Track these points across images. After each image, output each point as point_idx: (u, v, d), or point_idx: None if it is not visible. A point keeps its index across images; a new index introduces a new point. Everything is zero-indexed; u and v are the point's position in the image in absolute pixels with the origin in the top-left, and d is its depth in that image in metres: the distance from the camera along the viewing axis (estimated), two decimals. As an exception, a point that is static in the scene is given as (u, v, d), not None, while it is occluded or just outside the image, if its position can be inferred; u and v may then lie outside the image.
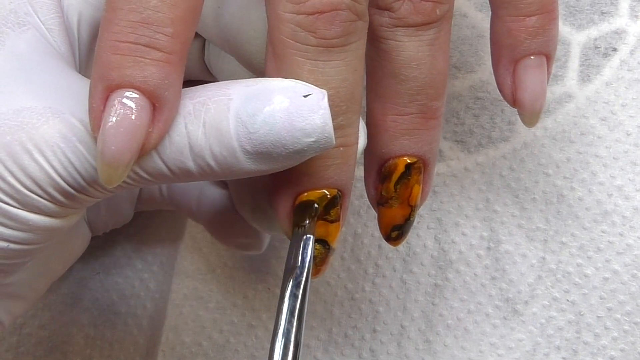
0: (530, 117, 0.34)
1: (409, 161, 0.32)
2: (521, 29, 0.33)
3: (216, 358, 0.41)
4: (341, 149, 0.30)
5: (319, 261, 0.31)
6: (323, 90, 0.28)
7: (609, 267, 0.39)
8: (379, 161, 0.33)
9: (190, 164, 0.28)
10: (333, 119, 0.28)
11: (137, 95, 0.27)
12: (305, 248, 0.30)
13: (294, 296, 0.29)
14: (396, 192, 0.33)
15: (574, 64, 0.41)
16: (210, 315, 0.41)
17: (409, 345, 0.40)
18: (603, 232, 0.39)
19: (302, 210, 0.30)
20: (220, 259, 0.41)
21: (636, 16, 0.41)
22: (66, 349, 0.42)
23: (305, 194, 0.30)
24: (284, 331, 0.29)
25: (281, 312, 0.29)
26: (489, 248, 0.40)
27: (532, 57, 0.33)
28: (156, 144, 0.28)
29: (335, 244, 0.31)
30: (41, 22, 0.32)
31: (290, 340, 0.29)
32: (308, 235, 0.30)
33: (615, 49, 0.41)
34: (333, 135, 0.28)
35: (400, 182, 0.33)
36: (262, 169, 0.28)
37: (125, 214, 0.40)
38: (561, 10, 0.41)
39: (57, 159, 0.28)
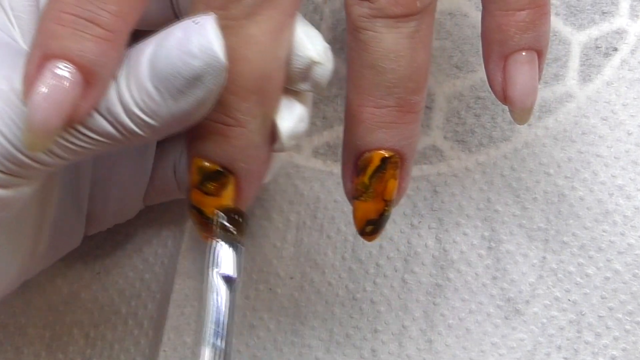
0: (521, 114, 0.34)
1: (385, 155, 0.32)
2: (511, 23, 0.32)
3: (218, 358, 0.41)
4: (221, 125, 0.30)
5: (197, 228, 0.32)
6: (211, 14, 0.28)
7: (610, 266, 0.39)
8: (355, 154, 0.32)
9: (127, 119, 0.28)
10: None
11: (70, 68, 0.27)
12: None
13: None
14: (370, 185, 0.32)
15: (574, 63, 0.41)
16: (212, 316, 0.41)
17: (411, 345, 0.40)
18: (604, 231, 0.39)
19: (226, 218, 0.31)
20: (222, 259, 0.41)
21: (637, 16, 0.41)
22: (66, 349, 0.42)
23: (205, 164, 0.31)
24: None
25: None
26: (490, 248, 0.40)
27: (523, 53, 0.33)
28: (83, 118, 0.28)
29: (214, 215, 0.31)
30: (11, 8, 0.32)
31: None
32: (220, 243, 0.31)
33: (616, 49, 0.41)
34: (222, 56, 0.28)
35: (375, 176, 0.32)
36: (182, 107, 0.29)
37: (132, 208, 0.40)
38: (562, 10, 0.41)
39: (4, 123, 0.28)
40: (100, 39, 0.28)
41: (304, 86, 0.31)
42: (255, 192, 0.32)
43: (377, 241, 0.40)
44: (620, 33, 0.41)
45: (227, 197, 0.31)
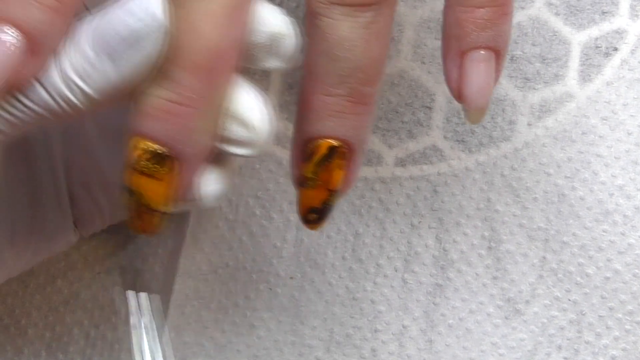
0: (474, 113, 0.34)
1: (333, 144, 0.32)
2: (469, 19, 0.32)
3: (218, 358, 0.41)
4: (169, 103, 0.29)
5: (131, 216, 0.31)
6: None
7: (611, 266, 0.39)
8: (304, 141, 0.32)
9: (65, 89, 0.28)
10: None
11: (15, 33, 0.28)
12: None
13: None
14: (316, 174, 0.32)
15: (574, 63, 0.41)
16: (212, 316, 0.41)
17: (411, 345, 0.40)
18: (604, 231, 0.40)
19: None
20: (222, 259, 0.41)
21: (637, 16, 0.41)
22: (66, 349, 0.42)
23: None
24: None
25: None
26: (490, 248, 0.40)
27: (481, 52, 0.33)
28: (22, 86, 0.28)
29: (162, 207, 0.30)
30: None
31: None
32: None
33: (616, 49, 0.41)
34: (162, 16, 0.28)
35: (321, 165, 0.32)
36: (119, 72, 0.28)
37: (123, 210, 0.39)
38: (562, 10, 0.41)
39: None
40: (49, 8, 0.28)
41: (272, 63, 0.31)
42: (189, 186, 0.31)
43: (377, 240, 0.40)
44: (620, 33, 0.41)
45: (171, 185, 0.30)
